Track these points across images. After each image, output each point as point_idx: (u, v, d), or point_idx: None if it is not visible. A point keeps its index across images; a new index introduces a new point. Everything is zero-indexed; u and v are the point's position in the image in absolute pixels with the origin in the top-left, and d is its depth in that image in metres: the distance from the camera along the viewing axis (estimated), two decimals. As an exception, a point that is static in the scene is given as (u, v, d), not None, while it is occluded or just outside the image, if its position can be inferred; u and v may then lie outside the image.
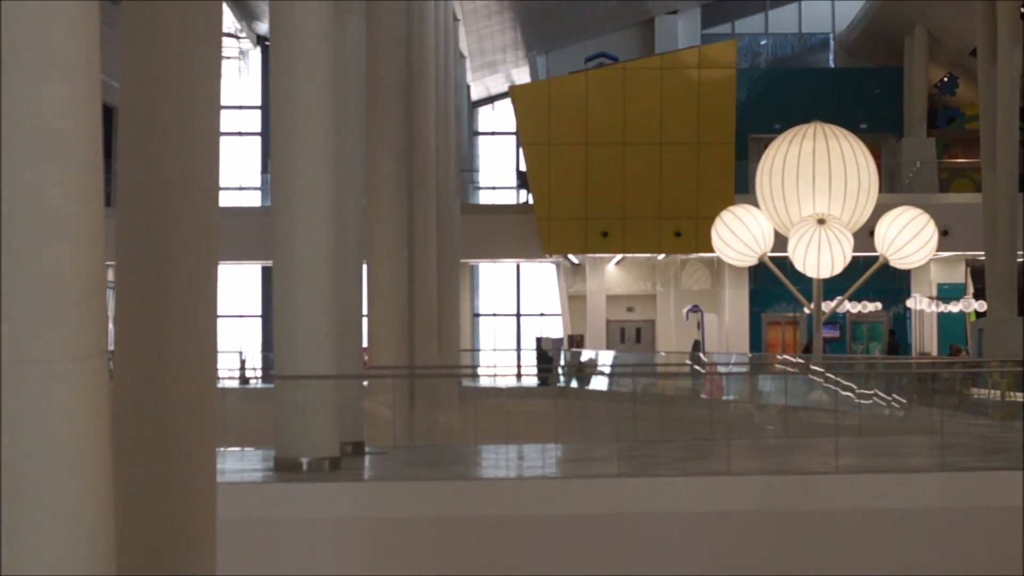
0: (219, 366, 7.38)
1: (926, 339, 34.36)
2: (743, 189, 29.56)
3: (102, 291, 4.22)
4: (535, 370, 30.79)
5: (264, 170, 35.76)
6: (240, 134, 37.84)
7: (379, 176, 16.73)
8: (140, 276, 6.38)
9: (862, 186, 21.03)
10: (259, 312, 36.17)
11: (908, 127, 35.53)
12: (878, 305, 32.70)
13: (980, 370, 19.25)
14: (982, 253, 26.15)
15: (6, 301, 3.96)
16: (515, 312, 38.22)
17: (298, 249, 11.44)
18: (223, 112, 7.07)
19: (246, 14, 35.59)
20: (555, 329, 36.48)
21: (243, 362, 29.92)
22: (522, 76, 40.19)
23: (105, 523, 4.20)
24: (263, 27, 35.84)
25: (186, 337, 6.44)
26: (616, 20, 38.29)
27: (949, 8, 32.66)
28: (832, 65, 39.41)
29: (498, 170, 41.12)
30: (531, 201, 32.61)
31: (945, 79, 37.06)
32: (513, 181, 40.06)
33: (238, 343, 33.16)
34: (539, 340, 34.57)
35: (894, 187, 33.87)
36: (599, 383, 25.19)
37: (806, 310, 24.07)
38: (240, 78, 37.85)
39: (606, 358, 29.89)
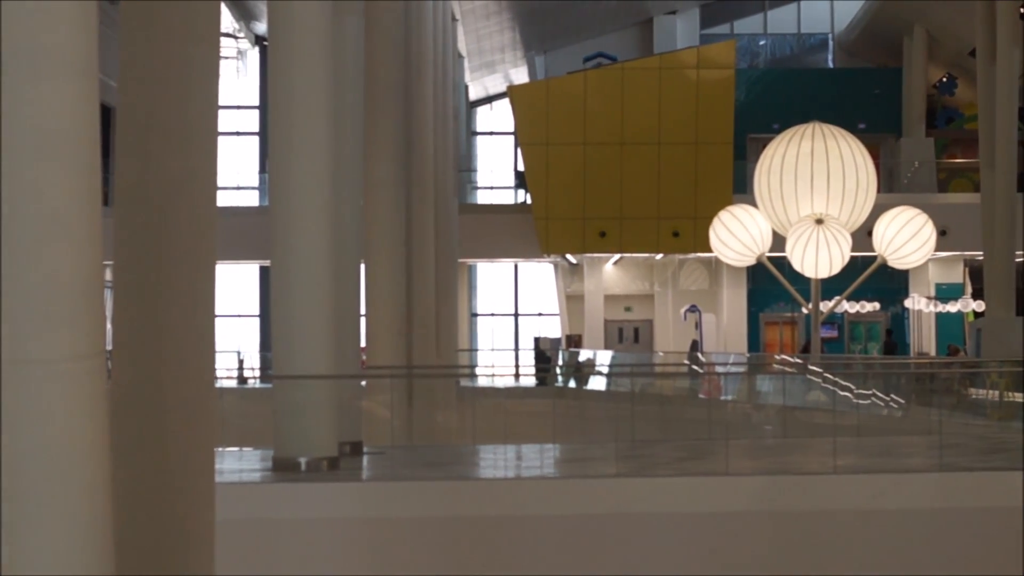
0: (217, 366, 7.38)
1: (924, 339, 34.37)
2: (741, 189, 29.57)
3: (100, 291, 4.22)
4: (533, 370, 30.81)
5: (262, 170, 35.76)
6: (238, 134, 37.84)
7: (377, 176, 16.73)
8: (138, 276, 6.38)
9: (860, 186, 21.04)
10: (257, 312, 36.17)
11: (907, 127, 35.55)
12: (876, 305, 32.71)
13: (978, 370, 19.26)
14: (980, 253, 26.16)
15: (4, 301, 3.96)
16: (513, 312, 38.23)
17: (296, 249, 11.43)
18: (221, 112, 7.06)
19: (244, 14, 35.58)
20: (553, 329, 36.49)
21: (241, 362, 29.90)
22: (520, 76, 40.19)
23: (103, 523, 4.20)
24: (261, 27, 35.84)
25: (184, 337, 6.44)
26: (615, 20, 38.30)
27: (948, 8, 32.68)
28: (831, 65, 39.42)
29: (496, 170, 41.12)
30: (529, 201, 32.61)
31: (944, 79, 37.08)
32: (511, 181, 40.08)
33: (236, 343, 33.13)
34: (537, 340, 34.58)
35: (892, 187, 33.90)
36: (597, 383, 25.18)
37: (804, 310, 24.09)
38: (238, 78, 37.84)
39: (604, 358, 29.90)
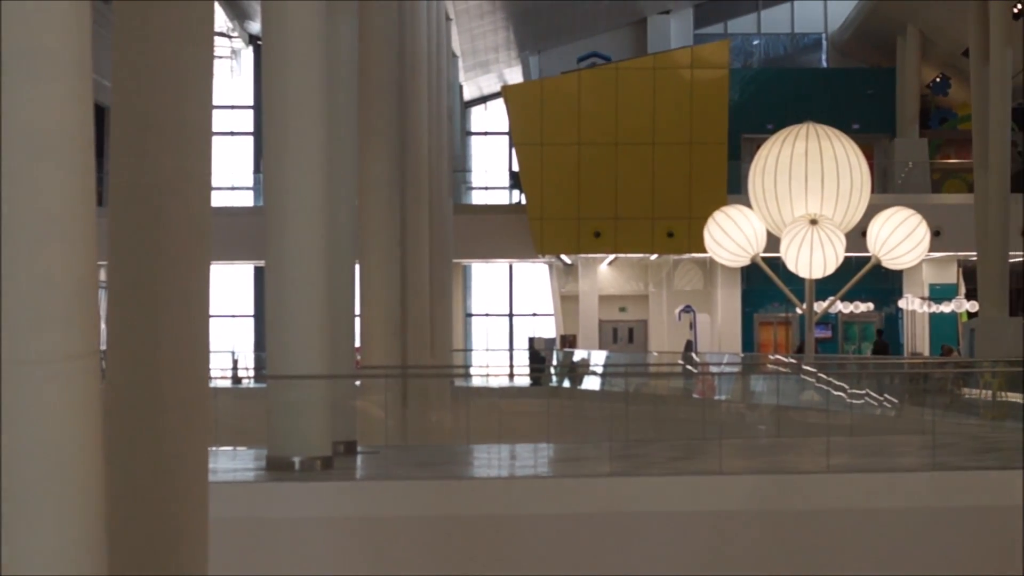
0: (211, 366, 7.39)
1: (918, 339, 34.42)
2: (735, 189, 29.61)
3: (94, 291, 4.22)
4: (527, 370, 30.82)
5: (256, 170, 35.74)
6: (232, 134, 37.81)
7: (371, 176, 16.73)
8: (132, 276, 6.38)
9: (854, 186, 21.08)
10: (251, 312, 36.16)
11: (900, 127, 35.59)
12: (870, 305, 32.76)
13: (972, 370, 19.30)
14: (974, 253, 26.23)
15: (-2, 300, 3.96)
16: (507, 312, 38.24)
17: (290, 249, 11.43)
18: (215, 112, 7.07)
19: (238, 13, 35.56)
20: (548, 329, 36.52)
21: (235, 362, 29.92)
22: (515, 76, 40.20)
23: (97, 522, 4.20)
24: (255, 26, 35.83)
25: (179, 337, 6.44)
26: (609, 20, 38.33)
27: (941, 8, 32.72)
28: (825, 65, 39.45)
29: (491, 170, 41.12)
30: (523, 201, 32.63)
31: (937, 79, 37.12)
32: (506, 181, 40.08)
33: (230, 343, 33.14)
34: (531, 340, 34.60)
35: (886, 187, 33.94)
36: (591, 383, 25.20)
37: (798, 310, 24.14)
38: (232, 78, 37.81)
39: (598, 358, 29.91)
